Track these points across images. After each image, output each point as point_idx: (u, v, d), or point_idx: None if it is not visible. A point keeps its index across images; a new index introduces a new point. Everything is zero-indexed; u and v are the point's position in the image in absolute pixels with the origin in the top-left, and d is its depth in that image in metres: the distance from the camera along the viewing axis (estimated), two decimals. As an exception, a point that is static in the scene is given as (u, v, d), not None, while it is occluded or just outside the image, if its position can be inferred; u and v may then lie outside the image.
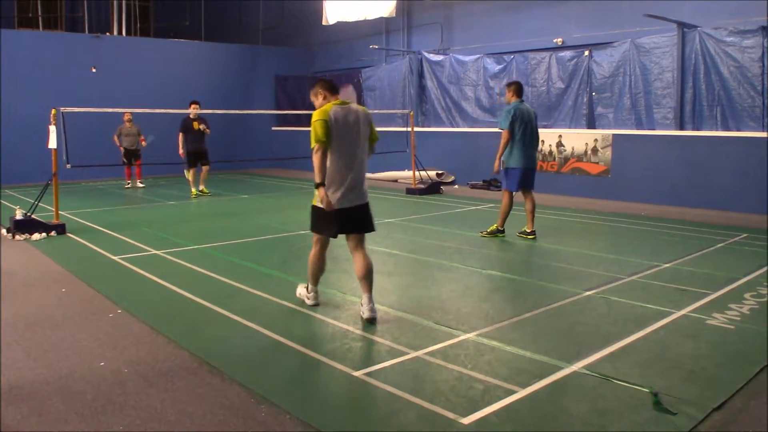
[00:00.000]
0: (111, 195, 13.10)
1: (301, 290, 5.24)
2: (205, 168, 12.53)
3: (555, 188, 12.80)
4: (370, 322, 4.65)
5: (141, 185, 14.11)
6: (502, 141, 7.64)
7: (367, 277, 4.73)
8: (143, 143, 13.69)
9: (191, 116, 12.07)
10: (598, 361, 3.93)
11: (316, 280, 5.07)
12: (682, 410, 3.26)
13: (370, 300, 4.72)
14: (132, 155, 13.70)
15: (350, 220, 4.71)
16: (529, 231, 7.95)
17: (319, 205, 4.66)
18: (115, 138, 13.60)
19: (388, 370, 3.80)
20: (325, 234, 4.82)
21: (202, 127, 12.08)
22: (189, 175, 12.48)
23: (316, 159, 4.57)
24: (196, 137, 12.11)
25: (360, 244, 4.81)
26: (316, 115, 4.60)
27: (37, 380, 3.68)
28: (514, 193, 7.89)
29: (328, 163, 4.61)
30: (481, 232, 8.16)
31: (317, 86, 4.84)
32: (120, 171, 14.77)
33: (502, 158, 7.74)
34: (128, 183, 13.80)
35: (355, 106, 4.78)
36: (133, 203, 11.84)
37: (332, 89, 4.83)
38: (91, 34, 17.30)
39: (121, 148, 13.60)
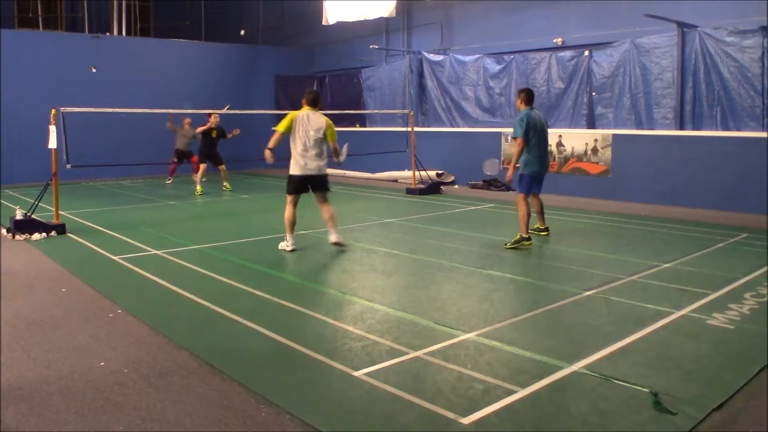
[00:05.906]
0: (111, 195, 13.10)
1: (282, 244, 7.09)
2: (221, 167, 13.27)
3: (555, 188, 12.77)
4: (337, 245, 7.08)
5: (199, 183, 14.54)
6: (517, 149, 7.59)
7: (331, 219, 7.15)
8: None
9: (212, 125, 12.79)
10: (598, 361, 3.93)
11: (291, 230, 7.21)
12: (682, 410, 3.26)
13: (336, 231, 7.10)
14: (183, 156, 14.21)
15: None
16: (542, 228, 8.23)
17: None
18: (169, 123, 14.02)
19: (388, 370, 3.80)
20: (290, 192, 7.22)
21: (224, 136, 13.09)
22: (200, 172, 12.94)
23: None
24: (210, 142, 12.88)
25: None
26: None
27: (37, 380, 3.68)
28: (527, 196, 7.70)
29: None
30: (506, 245, 7.48)
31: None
32: (120, 171, 14.86)
33: (516, 164, 7.74)
34: (169, 179, 14.51)
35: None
36: (133, 203, 11.83)
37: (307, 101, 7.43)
38: (91, 34, 17.28)
39: (174, 127, 14.05)
